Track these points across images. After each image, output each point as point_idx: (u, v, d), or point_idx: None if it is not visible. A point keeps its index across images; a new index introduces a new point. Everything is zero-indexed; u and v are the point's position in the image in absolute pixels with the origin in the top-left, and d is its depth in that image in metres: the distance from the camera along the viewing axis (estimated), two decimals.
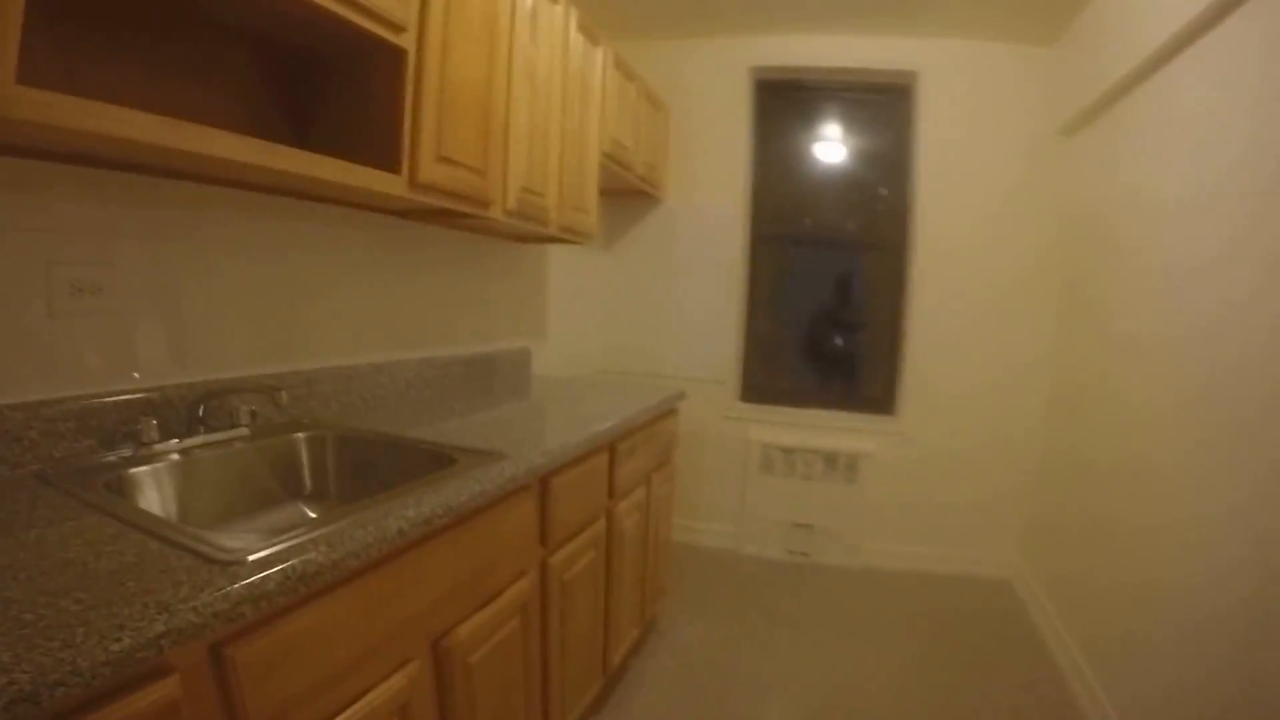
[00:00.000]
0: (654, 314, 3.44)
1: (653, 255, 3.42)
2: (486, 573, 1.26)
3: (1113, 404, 2.23)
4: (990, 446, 3.09)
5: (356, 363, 1.79)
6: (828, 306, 3.47)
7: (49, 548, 0.79)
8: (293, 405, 1.56)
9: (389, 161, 1.37)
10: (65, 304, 1.12)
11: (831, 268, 3.43)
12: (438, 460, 1.33)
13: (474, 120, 1.60)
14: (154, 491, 1.15)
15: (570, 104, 2.13)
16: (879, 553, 3.22)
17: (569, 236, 2.27)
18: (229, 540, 0.84)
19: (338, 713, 0.90)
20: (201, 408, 1.29)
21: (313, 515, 1.32)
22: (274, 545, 0.83)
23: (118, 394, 1.20)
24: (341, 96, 1.46)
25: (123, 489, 1.09)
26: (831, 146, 3.36)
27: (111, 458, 1.15)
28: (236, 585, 0.73)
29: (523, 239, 2.45)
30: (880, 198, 3.28)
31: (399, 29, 1.33)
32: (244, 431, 1.37)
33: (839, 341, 3.50)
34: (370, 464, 1.44)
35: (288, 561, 0.80)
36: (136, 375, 1.24)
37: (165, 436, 1.23)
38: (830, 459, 3.22)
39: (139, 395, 1.23)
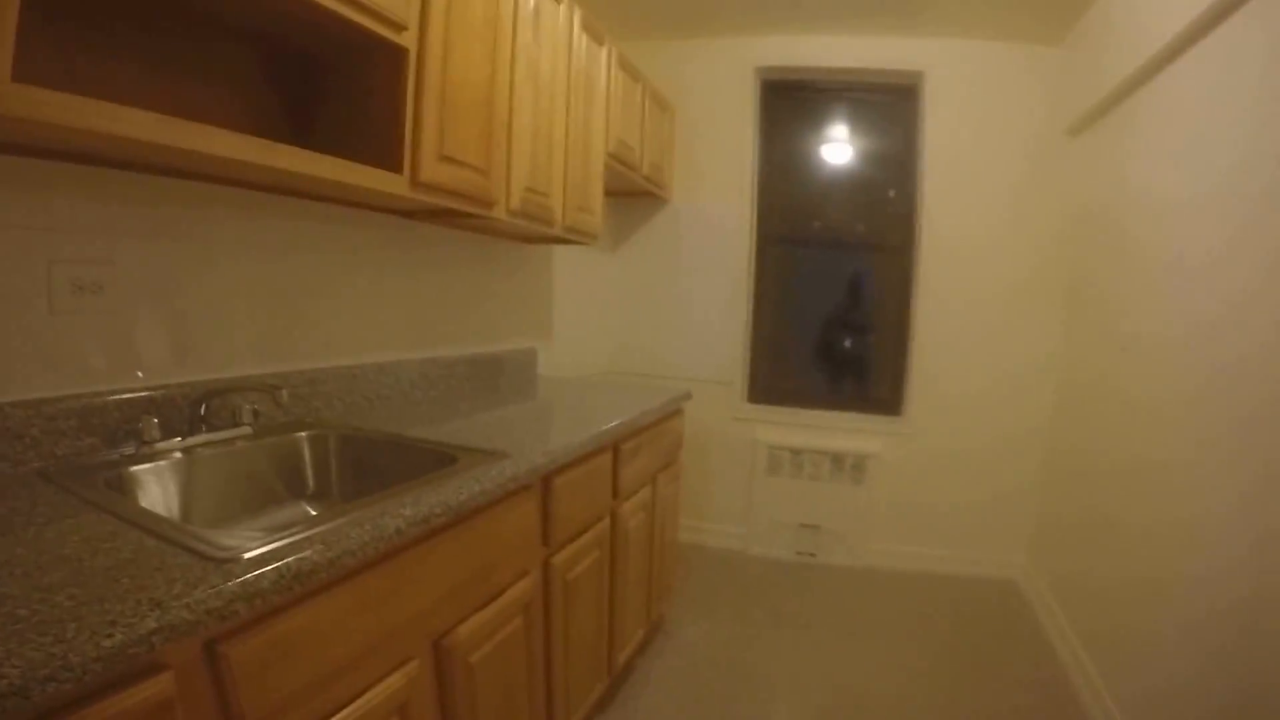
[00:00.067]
0: (660, 315, 3.43)
1: (658, 256, 3.41)
2: (488, 572, 1.25)
3: (1116, 403, 2.22)
4: (996, 446, 3.07)
5: (361, 362, 1.79)
6: (838, 309, 3.44)
7: (46, 544, 0.79)
8: (296, 404, 1.57)
9: (390, 160, 1.37)
10: (66, 302, 1.12)
11: (839, 269, 3.41)
12: (439, 460, 1.32)
13: (476, 119, 1.60)
14: (156, 490, 1.16)
15: (574, 104, 2.13)
16: (885, 553, 3.20)
17: (574, 237, 2.27)
18: (226, 538, 0.84)
19: (335, 711, 0.90)
20: (203, 406, 1.29)
21: (314, 514, 1.31)
22: (269, 543, 0.83)
23: (119, 392, 1.20)
24: (343, 95, 1.46)
25: (123, 487, 1.09)
26: (837, 147, 3.34)
27: (113, 456, 1.15)
28: (230, 583, 0.72)
29: (528, 239, 2.44)
30: (888, 199, 3.26)
31: (400, 28, 1.33)
32: (246, 430, 1.37)
33: (848, 344, 3.48)
34: (372, 463, 1.44)
35: (283, 560, 0.79)
36: (139, 374, 1.25)
37: (167, 435, 1.23)
38: (837, 460, 3.20)
39: (141, 394, 1.23)
